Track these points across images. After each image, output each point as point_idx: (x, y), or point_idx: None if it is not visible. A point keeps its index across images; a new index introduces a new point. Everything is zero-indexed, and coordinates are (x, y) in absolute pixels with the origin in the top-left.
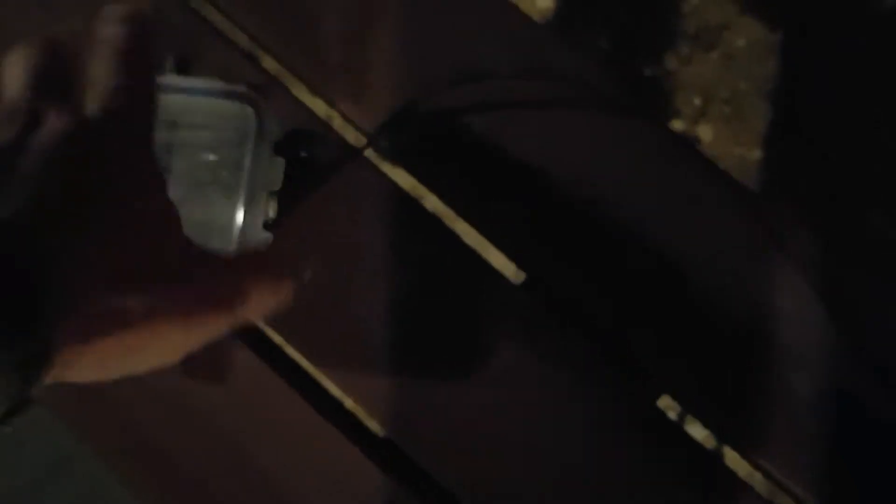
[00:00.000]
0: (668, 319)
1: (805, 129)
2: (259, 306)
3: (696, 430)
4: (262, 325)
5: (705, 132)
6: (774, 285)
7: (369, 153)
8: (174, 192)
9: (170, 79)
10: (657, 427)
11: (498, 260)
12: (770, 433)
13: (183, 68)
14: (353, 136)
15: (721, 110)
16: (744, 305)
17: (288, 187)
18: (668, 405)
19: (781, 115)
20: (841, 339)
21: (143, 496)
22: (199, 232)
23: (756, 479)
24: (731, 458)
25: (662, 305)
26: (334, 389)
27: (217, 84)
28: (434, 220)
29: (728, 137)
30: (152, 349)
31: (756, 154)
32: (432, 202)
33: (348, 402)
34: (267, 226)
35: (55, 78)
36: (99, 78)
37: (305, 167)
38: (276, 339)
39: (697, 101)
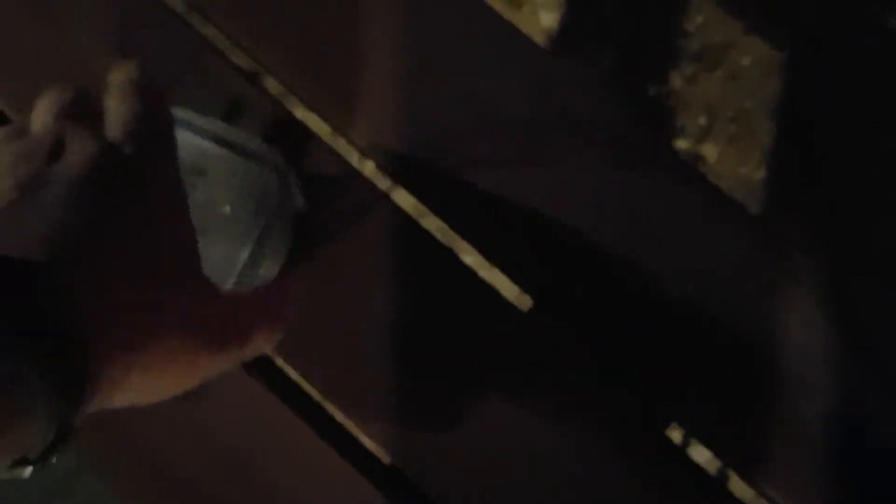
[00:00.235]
0: (673, 343)
1: (812, 149)
2: (262, 341)
3: (700, 454)
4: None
5: (710, 151)
6: (782, 309)
7: (370, 171)
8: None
9: (210, 123)
10: (661, 452)
11: (500, 282)
12: (777, 459)
13: (234, 113)
14: (356, 159)
15: (726, 129)
16: (752, 330)
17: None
18: (672, 429)
19: (787, 135)
20: (850, 365)
21: None
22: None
23: None
24: (736, 484)
25: (667, 329)
26: (339, 415)
27: (254, 142)
28: (434, 241)
29: (733, 156)
30: (179, 373)
31: (762, 173)
32: (433, 222)
33: (350, 426)
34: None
35: (78, 114)
36: (116, 109)
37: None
38: (279, 362)
39: (702, 120)
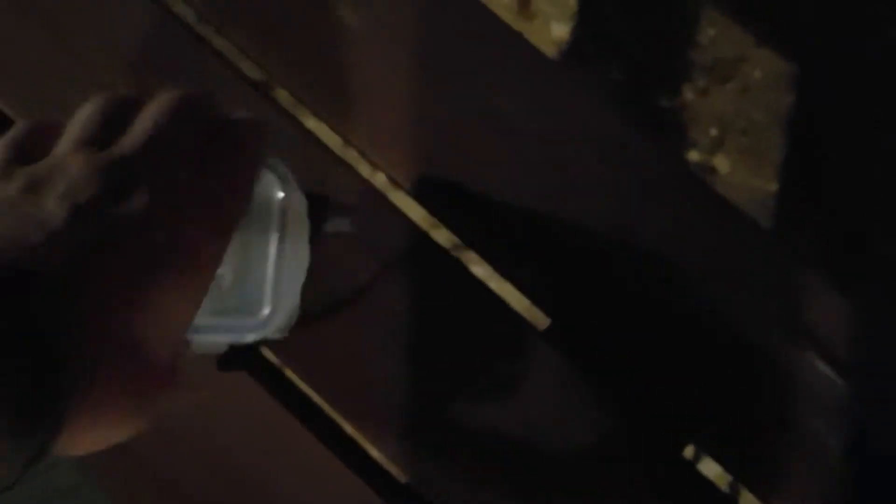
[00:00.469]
0: (684, 357)
1: (823, 162)
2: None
3: (710, 469)
4: (276, 361)
5: (722, 164)
6: (793, 323)
7: (380, 183)
8: None
9: None
10: (672, 467)
11: (510, 293)
12: (788, 474)
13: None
14: (367, 171)
15: (738, 142)
16: (764, 344)
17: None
18: (685, 446)
19: (799, 147)
20: (862, 380)
21: None
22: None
23: None
24: (747, 499)
25: (679, 343)
26: (349, 429)
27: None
28: (444, 252)
29: (745, 169)
30: (119, 428)
31: (773, 186)
32: (443, 234)
33: (360, 440)
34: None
35: (103, 131)
36: (132, 126)
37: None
38: (290, 376)
39: (714, 133)
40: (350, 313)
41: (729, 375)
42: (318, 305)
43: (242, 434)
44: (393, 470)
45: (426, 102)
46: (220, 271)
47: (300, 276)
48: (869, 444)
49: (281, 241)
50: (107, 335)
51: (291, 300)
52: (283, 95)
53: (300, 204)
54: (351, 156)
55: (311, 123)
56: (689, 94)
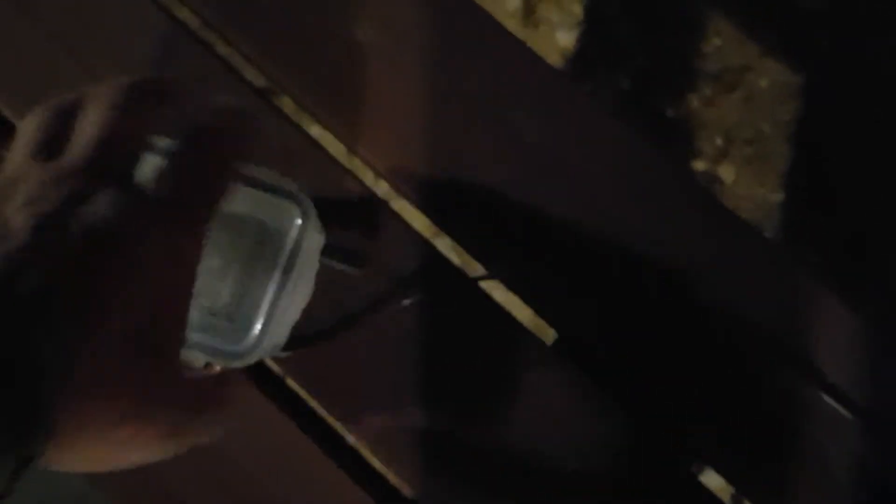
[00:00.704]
0: (693, 373)
1: (828, 171)
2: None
3: (712, 480)
4: (283, 376)
5: (727, 172)
6: (798, 334)
7: (384, 191)
8: (212, 262)
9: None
10: (674, 478)
11: (513, 303)
12: (791, 487)
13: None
14: (370, 179)
15: (743, 151)
16: (768, 356)
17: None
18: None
19: (804, 157)
20: (871, 399)
21: None
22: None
23: None
24: None
25: (688, 359)
26: (355, 444)
27: (272, 176)
28: (446, 261)
29: (750, 178)
30: (138, 446)
31: (778, 195)
32: (446, 242)
33: (366, 453)
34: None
35: (53, 140)
36: (81, 129)
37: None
38: (297, 390)
39: (719, 142)
40: (354, 324)
41: (735, 387)
42: (321, 315)
43: (251, 448)
44: (399, 484)
45: (430, 111)
46: (217, 287)
47: (295, 313)
48: (872, 458)
49: (286, 273)
50: (90, 340)
51: (280, 333)
52: (286, 103)
53: (316, 242)
54: (355, 164)
55: (315, 131)
56: (694, 104)
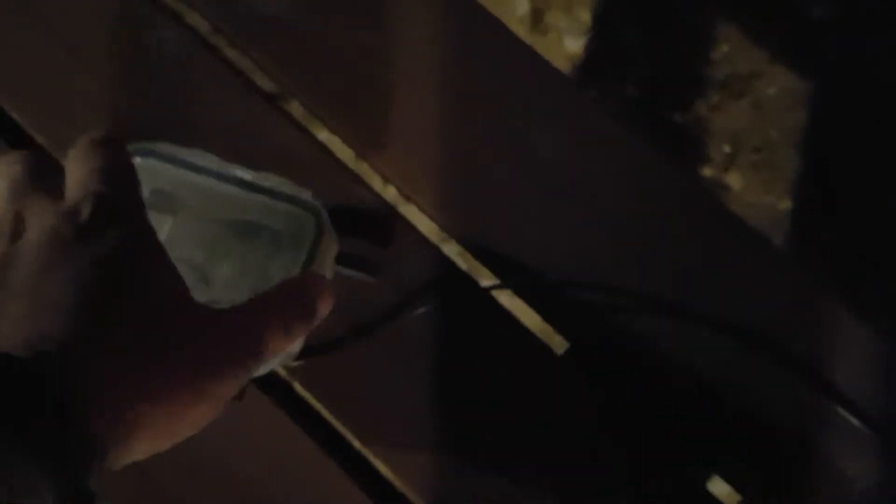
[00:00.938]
0: (704, 383)
1: (836, 179)
2: (277, 348)
3: (719, 488)
4: (289, 380)
5: (735, 180)
6: (804, 344)
7: (392, 196)
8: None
9: (238, 170)
10: (680, 485)
11: (520, 309)
12: (798, 496)
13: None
14: (378, 184)
15: (750, 158)
16: (783, 370)
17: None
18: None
19: (812, 165)
20: (883, 409)
21: None
22: None
23: None
24: None
25: (700, 370)
26: (359, 447)
27: (287, 186)
28: (454, 266)
29: (758, 186)
30: (193, 410)
31: (786, 203)
32: (454, 248)
33: (370, 457)
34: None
35: (38, 181)
36: (72, 170)
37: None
38: (303, 392)
39: (727, 149)
40: (364, 331)
41: (742, 395)
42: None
43: (252, 450)
44: (408, 492)
45: (439, 117)
46: (233, 296)
47: None
48: (887, 472)
49: (304, 263)
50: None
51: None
52: (295, 108)
53: (331, 251)
54: (363, 169)
55: (324, 136)
56: (702, 110)
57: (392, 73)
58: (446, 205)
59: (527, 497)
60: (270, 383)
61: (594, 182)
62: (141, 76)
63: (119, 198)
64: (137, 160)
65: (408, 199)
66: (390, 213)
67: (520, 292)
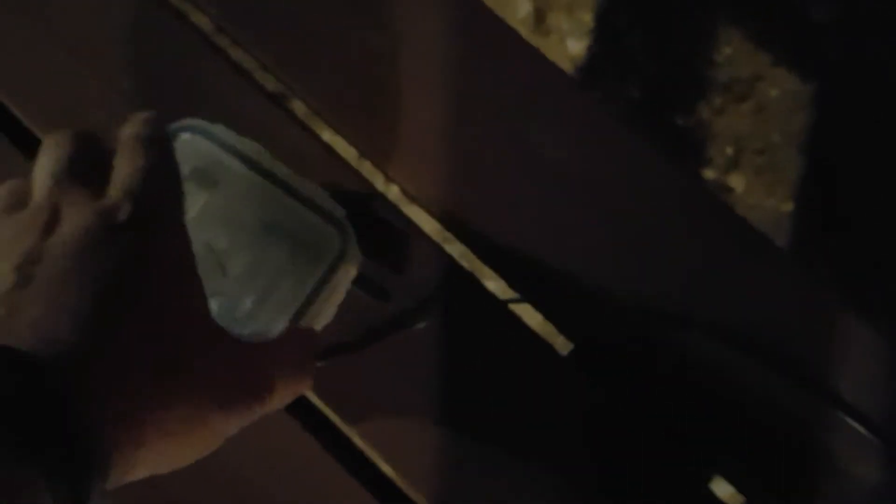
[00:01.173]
0: (707, 385)
1: (839, 182)
2: (286, 392)
3: (722, 489)
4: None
5: (737, 182)
6: (808, 344)
7: (395, 196)
8: (243, 267)
9: (277, 167)
10: (683, 486)
11: (524, 310)
12: (803, 496)
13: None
14: (381, 183)
15: (753, 161)
16: (786, 371)
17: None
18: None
19: (815, 167)
20: (887, 410)
21: None
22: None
23: None
24: None
25: (703, 372)
26: (364, 448)
27: (319, 195)
28: (457, 266)
29: (760, 188)
30: (197, 437)
31: (788, 205)
32: (456, 247)
33: (375, 458)
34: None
35: (77, 173)
36: (119, 166)
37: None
38: (308, 394)
39: (729, 151)
40: (364, 331)
41: (747, 399)
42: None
43: (256, 451)
44: (412, 493)
45: (442, 116)
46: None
47: (328, 312)
48: (890, 478)
49: (310, 300)
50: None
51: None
52: (299, 107)
53: (349, 274)
54: (366, 168)
55: (328, 136)
56: (704, 113)
57: (395, 72)
58: (449, 204)
59: (531, 497)
60: None
61: (596, 182)
62: (144, 75)
63: (158, 204)
64: (187, 135)
65: (410, 198)
66: (410, 235)
67: (524, 293)
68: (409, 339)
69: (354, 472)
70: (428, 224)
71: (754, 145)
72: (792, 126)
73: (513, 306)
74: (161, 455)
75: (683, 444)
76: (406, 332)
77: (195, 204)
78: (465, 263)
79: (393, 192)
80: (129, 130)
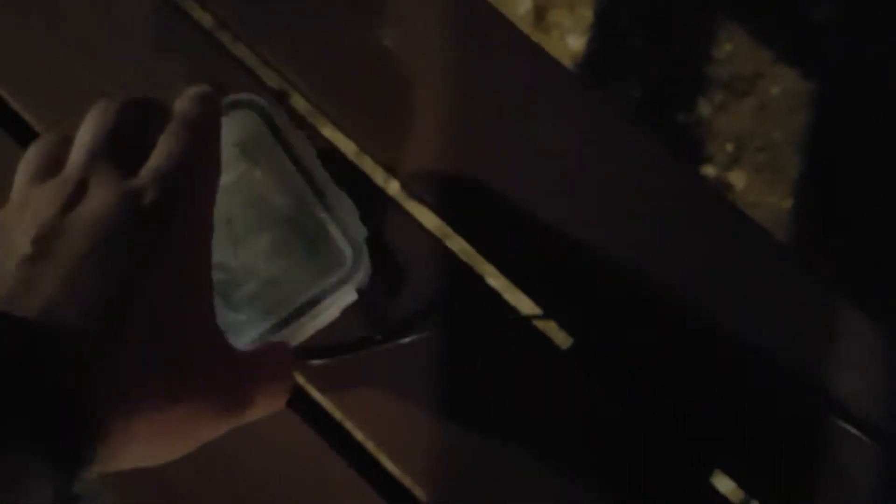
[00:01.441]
0: (709, 382)
1: (840, 179)
2: (265, 404)
3: (723, 484)
4: (301, 381)
5: (738, 179)
6: (811, 341)
7: (395, 191)
8: (253, 253)
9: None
10: (685, 481)
11: (525, 304)
12: (805, 493)
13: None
14: (381, 178)
15: (754, 158)
16: (777, 361)
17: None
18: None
19: (815, 165)
20: (882, 397)
21: None
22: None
23: None
24: None
25: (706, 368)
26: (368, 446)
27: (346, 205)
28: (458, 261)
29: (761, 185)
30: (185, 438)
31: (789, 203)
32: (457, 243)
33: (387, 463)
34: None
35: (120, 146)
36: (163, 143)
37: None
38: (314, 393)
39: (730, 149)
40: (365, 329)
41: (748, 397)
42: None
43: (261, 450)
44: (417, 491)
45: (442, 113)
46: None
47: (303, 336)
48: (889, 465)
49: (305, 307)
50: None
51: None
52: (300, 102)
53: (345, 297)
54: (366, 163)
55: (328, 131)
56: (705, 110)
57: (396, 69)
58: (449, 200)
59: (531, 495)
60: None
61: (597, 179)
62: (145, 70)
63: (188, 193)
64: (245, 110)
65: (411, 194)
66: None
67: (526, 290)
68: (410, 335)
69: (359, 470)
70: (428, 220)
71: (755, 143)
72: (793, 124)
73: (514, 302)
74: (145, 453)
75: (684, 444)
76: (407, 329)
77: (233, 172)
78: (465, 259)
79: (393, 188)
80: (181, 105)
